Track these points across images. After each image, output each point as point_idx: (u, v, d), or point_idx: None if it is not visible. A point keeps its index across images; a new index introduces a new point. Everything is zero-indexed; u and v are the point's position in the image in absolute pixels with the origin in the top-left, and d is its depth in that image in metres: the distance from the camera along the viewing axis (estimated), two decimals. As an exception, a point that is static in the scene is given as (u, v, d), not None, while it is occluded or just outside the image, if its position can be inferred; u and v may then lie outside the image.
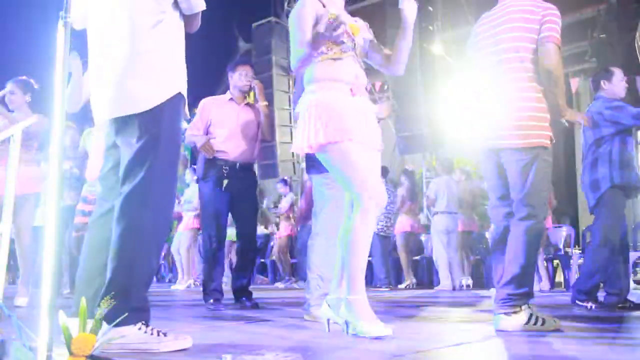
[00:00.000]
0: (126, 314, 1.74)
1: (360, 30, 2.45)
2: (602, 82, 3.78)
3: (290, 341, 2.12)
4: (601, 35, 9.80)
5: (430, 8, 11.54)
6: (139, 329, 1.82)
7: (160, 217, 1.94)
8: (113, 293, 1.77)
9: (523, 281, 2.47)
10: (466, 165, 10.89)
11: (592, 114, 3.73)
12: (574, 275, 6.26)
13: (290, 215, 8.39)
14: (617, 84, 3.77)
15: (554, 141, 2.57)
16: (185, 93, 2.04)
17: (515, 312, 2.45)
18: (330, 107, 2.29)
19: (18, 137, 2.05)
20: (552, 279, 6.83)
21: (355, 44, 2.42)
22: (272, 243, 9.18)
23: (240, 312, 3.56)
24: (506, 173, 2.61)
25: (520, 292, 2.46)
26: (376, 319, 2.17)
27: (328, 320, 2.33)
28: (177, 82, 2.01)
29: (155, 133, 1.92)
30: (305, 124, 2.34)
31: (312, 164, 2.98)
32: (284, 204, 8.38)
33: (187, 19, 2.04)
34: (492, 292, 5.66)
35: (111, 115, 1.96)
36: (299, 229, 8.10)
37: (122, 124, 1.95)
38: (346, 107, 2.31)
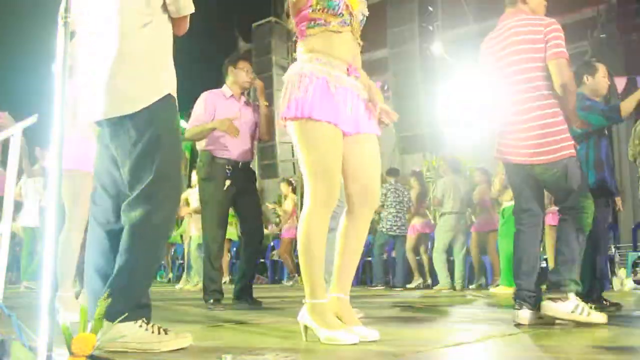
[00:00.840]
0: (127, 312, 1.75)
1: (359, 4, 2.26)
2: (585, 77, 3.68)
3: (290, 341, 2.11)
4: (601, 35, 9.81)
5: (430, 8, 11.55)
6: (140, 326, 1.82)
7: (166, 218, 1.94)
8: (115, 290, 1.78)
9: (570, 268, 2.57)
10: (467, 165, 10.90)
11: None
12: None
13: (294, 217, 8.40)
14: (600, 81, 3.69)
15: (577, 147, 2.77)
16: (175, 95, 2.02)
17: (561, 299, 2.54)
18: (319, 81, 2.11)
19: (18, 137, 2.04)
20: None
21: (352, 19, 2.23)
22: (271, 243, 9.18)
23: (240, 312, 3.55)
24: (538, 185, 2.78)
25: (567, 278, 2.56)
26: (339, 325, 2.03)
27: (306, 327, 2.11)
28: (168, 83, 2.00)
29: (154, 133, 1.90)
30: (286, 93, 2.16)
31: None
32: (288, 207, 8.40)
33: (175, 22, 2.04)
34: (492, 291, 5.67)
35: (104, 116, 1.94)
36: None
37: (116, 125, 1.93)
38: (338, 85, 2.14)
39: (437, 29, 11.80)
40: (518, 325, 2.60)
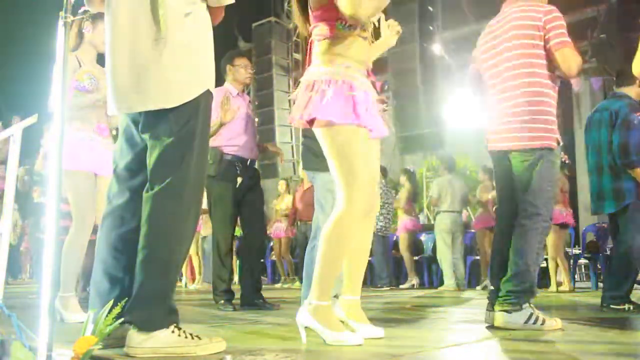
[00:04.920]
0: (162, 317, 1.74)
1: None
2: (638, 81, 3.60)
3: (290, 341, 2.11)
4: (601, 35, 9.81)
5: (430, 8, 11.55)
6: (172, 332, 1.77)
7: (192, 216, 1.87)
8: (148, 296, 1.75)
9: (525, 278, 2.50)
10: (466, 165, 10.88)
11: (612, 112, 3.65)
12: (576, 276, 6.23)
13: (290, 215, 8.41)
14: None
15: (561, 144, 2.64)
16: (213, 90, 1.95)
17: (515, 310, 2.47)
18: (360, 89, 2.09)
19: (18, 137, 2.05)
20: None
21: (369, 23, 2.21)
22: (271, 243, 9.17)
23: (240, 312, 3.55)
24: (513, 174, 2.66)
25: (521, 289, 2.49)
26: (342, 327, 2.04)
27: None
28: (209, 77, 1.94)
29: (190, 127, 1.83)
30: (317, 95, 2.05)
31: (317, 160, 2.93)
32: (284, 205, 8.42)
33: (212, 11, 1.97)
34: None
35: (145, 107, 1.84)
36: (296, 229, 8.12)
37: (153, 117, 1.84)
38: (367, 91, 2.13)
39: (437, 29, 11.80)
40: (490, 327, 2.55)
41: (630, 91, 3.71)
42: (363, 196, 2.06)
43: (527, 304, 2.49)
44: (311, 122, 2.12)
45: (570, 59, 2.55)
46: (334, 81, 2.05)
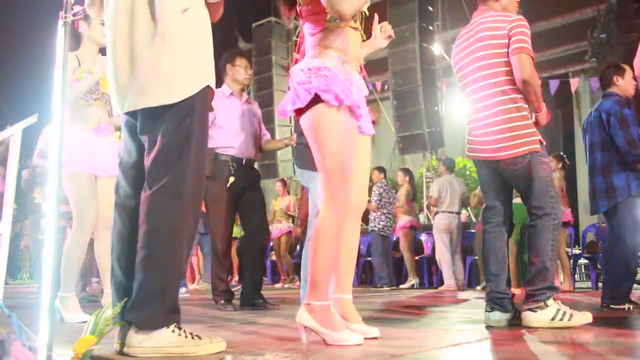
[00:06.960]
0: (164, 317, 1.73)
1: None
2: (615, 78, 3.70)
3: (290, 341, 2.12)
4: (601, 35, 9.82)
5: (430, 8, 11.57)
6: (172, 331, 1.76)
7: (191, 215, 1.85)
8: (148, 296, 1.74)
9: (545, 276, 2.55)
10: (466, 165, 10.86)
11: (601, 113, 3.67)
12: (576, 276, 6.23)
13: (289, 215, 8.41)
14: (629, 81, 3.71)
15: (545, 143, 2.68)
16: (214, 86, 1.94)
17: (540, 308, 2.51)
18: (350, 78, 2.07)
19: (18, 137, 2.05)
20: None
21: (362, 16, 2.19)
22: (271, 243, 9.17)
23: (240, 312, 3.56)
24: (505, 183, 2.75)
25: (541, 287, 2.53)
26: (342, 326, 2.03)
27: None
28: (208, 73, 1.92)
29: (187, 125, 1.81)
30: (313, 79, 2.02)
31: (311, 160, 2.94)
32: (284, 205, 8.42)
33: (210, 7, 1.96)
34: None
35: (146, 104, 1.82)
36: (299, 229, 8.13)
37: (149, 117, 1.83)
38: (357, 85, 2.11)
39: (437, 29, 11.81)
40: (489, 327, 2.57)
41: (616, 89, 3.74)
42: (348, 192, 2.03)
43: (552, 301, 2.53)
44: (299, 111, 2.09)
45: (523, 65, 2.57)
46: (327, 67, 2.04)
